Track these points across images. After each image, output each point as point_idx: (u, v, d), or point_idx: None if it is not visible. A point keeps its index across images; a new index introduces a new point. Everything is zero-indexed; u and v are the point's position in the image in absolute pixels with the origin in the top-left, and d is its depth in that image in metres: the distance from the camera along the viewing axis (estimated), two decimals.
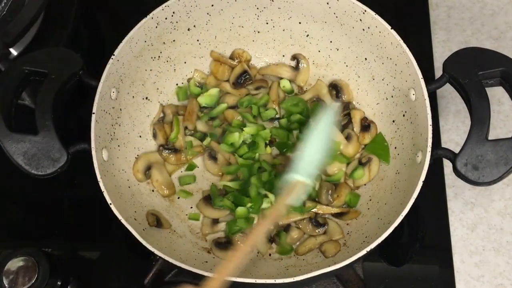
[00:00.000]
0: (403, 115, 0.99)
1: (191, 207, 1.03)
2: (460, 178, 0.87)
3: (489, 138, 0.86)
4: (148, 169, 1.02)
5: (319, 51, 1.09)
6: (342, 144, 1.03)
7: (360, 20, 0.99)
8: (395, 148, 1.01)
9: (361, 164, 1.02)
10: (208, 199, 1.01)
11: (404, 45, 0.94)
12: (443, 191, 1.07)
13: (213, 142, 1.05)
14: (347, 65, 1.08)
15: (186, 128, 1.06)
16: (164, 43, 1.05)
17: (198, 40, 1.08)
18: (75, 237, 1.08)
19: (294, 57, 1.10)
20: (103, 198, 0.87)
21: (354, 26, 1.01)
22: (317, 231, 0.98)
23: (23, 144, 0.88)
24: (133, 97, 1.04)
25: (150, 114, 1.07)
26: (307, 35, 1.08)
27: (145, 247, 0.85)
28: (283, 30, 1.09)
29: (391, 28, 0.96)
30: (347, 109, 1.07)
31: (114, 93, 0.98)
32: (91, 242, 1.08)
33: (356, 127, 1.05)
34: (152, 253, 0.84)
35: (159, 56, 1.06)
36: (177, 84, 1.09)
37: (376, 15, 0.97)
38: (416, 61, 0.93)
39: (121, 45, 0.97)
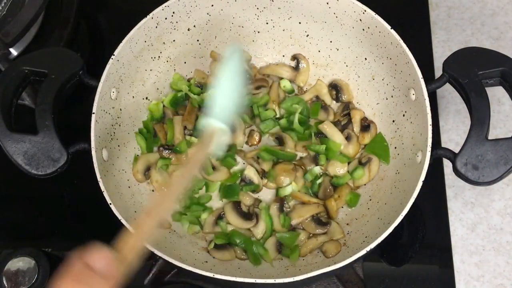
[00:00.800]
0: (403, 115, 0.99)
1: None
2: (460, 178, 0.86)
3: (489, 138, 0.86)
4: (147, 169, 1.02)
5: (319, 51, 1.09)
6: (342, 144, 1.03)
7: (360, 20, 0.99)
8: (395, 148, 1.01)
9: (361, 164, 1.02)
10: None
11: (404, 45, 0.94)
12: (443, 191, 1.07)
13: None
14: (347, 65, 1.08)
15: (185, 127, 1.06)
16: (164, 43, 1.05)
17: (198, 40, 1.08)
18: (75, 237, 1.08)
19: (294, 57, 1.11)
20: (103, 198, 0.87)
21: (354, 26, 1.01)
22: (320, 230, 0.98)
23: (23, 144, 0.88)
24: (133, 97, 1.04)
25: (149, 114, 1.07)
26: (307, 35, 1.08)
27: (145, 247, 0.85)
28: (283, 30, 1.09)
29: (391, 28, 0.96)
30: (347, 109, 1.07)
31: (114, 93, 0.98)
32: (91, 242, 1.08)
33: (356, 127, 1.05)
34: (152, 253, 0.84)
35: (159, 56, 1.06)
36: (148, 99, 1.07)
37: (376, 15, 0.97)
38: (416, 61, 0.93)
39: (121, 45, 0.97)
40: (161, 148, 1.05)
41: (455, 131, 1.12)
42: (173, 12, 1.02)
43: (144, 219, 0.70)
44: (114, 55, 0.96)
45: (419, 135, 0.92)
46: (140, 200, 1.00)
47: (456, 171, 0.86)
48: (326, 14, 1.02)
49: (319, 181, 1.03)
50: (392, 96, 1.02)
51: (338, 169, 1.03)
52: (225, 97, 0.84)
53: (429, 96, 0.91)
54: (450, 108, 1.14)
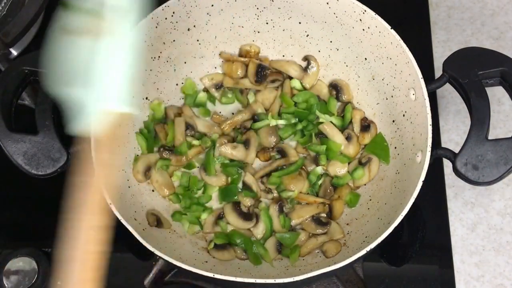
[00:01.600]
0: (403, 115, 0.99)
1: None
2: (460, 178, 0.87)
3: (489, 138, 0.86)
4: (148, 169, 1.02)
5: (319, 51, 1.09)
6: (342, 144, 1.03)
7: (360, 20, 0.99)
8: (395, 148, 1.01)
9: (361, 164, 1.02)
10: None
11: (404, 45, 0.94)
12: (443, 191, 1.07)
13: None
14: (347, 65, 1.08)
15: (186, 129, 1.06)
16: (164, 43, 1.05)
17: (198, 40, 1.08)
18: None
19: (306, 58, 1.10)
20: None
21: (354, 26, 1.01)
22: (320, 230, 0.98)
23: (23, 144, 0.88)
24: (133, 97, 1.04)
25: (150, 114, 1.07)
26: (307, 35, 1.08)
27: (145, 247, 0.85)
28: (283, 30, 1.09)
29: (391, 28, 0.96)
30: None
31: None
32: None
33: (356, 127, 1.05)
34: (152, 253, 0.84)
35: (159, 56, 1.06)
36: (148, 99, 1.07)
37: (376, 15, 0.97)
38: (416, 61, 0.93)
39: None
40: (161, 149, 1.04)
41: (455, 131, 1.12)
42: (173, 12, 1.02)
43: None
44: None
45: (419, 135, 0.92)
46: (140, 200, 1.00)
47: (456, 171, 0.86)
48: (326, 14, 1.02)
49: (320, 181, 1.03)
50: (392, 96, 1.02)
51: (339, 169, 1.03)
52: (116, 77, 0.68)
53: (429, 96, 0.91)
54: (450, 108, 1.14)
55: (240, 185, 1.03)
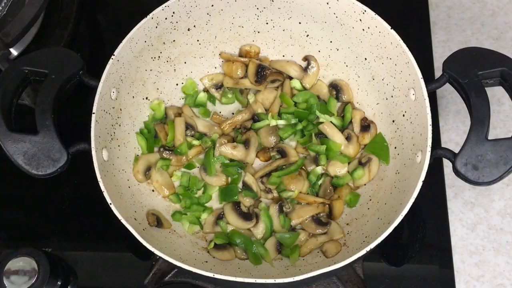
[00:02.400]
0: (403, 115, 0.99)
1: None
2: (460, 178, 0.86)
3: (489, 138, 0.86)
4: (148, 169, 1.02)
5: (319, 51, 1.09)
6: (342, 144, 1.03)
7: (360, 20, 0.99)
8: (395, 148, 1.01)
9: (361, 164, 1.02)
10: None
11: (404, 45, 0.94)
12: (443, 191, 1.07)
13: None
14: (347, 65, 1.08)
15: (186, 129, 1.06)
16: (164, 43, 1.05)
17: (198, 40, 1.08)
18: (75, 237, 1.08)
19: (306, 58, 1.10)
20: (103, 198, 0.87)
21: (354, 26, 1.01)
22: (320, 230, 0.98)
23: (23, 144, 0.88)
24: (133, 97, 1.04)
25: (150, 114, 1.07)
26: (307, 35, 1.08)
27: (145, 247, 0.85)
28: (283, 30, 1.09)
29: (391, 28, 0.96)
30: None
31: (114, 93, 0.98)
32: (91, 242, 1.08)
33: (356, 127, 1.05)
34: (152, 253, 0.84)
35: (159, 56, 1.06)
36: (148, 99, 1.07)
37: (376, 15, 0.97)
38: (416, 61, 0.93)
39: (121, 45, 0.97)
40: (161, 149, 1.05)
41: (455, 131, 1.12)
42: (173, 12, 1.02)
43: None
44: (114, 55, 0.96)
45: (419, 135, 0.92)
46: (140, 200, 1.00)
47: (456, 171, 0.86)
48: (326, 14, 1.02)
49: (320, 181, 1.03)
50: (392, 96, 1.02)
51: (339, 169, 1.03)
52: None
53: (429, 96, 0.91)
54: (450, 108, 1.14)
55: (240, 185, 1.03)
